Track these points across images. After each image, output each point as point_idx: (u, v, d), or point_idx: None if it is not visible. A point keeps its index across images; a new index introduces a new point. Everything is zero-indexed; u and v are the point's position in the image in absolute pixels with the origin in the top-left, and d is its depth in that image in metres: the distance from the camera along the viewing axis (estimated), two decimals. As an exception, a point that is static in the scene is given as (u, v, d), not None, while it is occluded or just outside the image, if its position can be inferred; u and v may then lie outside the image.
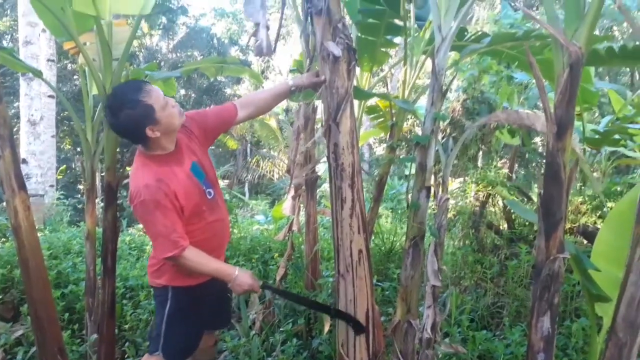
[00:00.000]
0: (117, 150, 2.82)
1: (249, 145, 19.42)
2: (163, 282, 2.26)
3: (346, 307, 2.36)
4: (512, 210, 4.11)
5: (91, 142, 2.98)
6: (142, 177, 2.03)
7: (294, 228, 3.48)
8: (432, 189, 2.35)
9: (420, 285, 2.21)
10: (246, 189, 18.44)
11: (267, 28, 2.41)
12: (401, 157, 2.96)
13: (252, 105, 2.46)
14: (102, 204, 2.85)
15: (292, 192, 3.51)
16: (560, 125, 1.41)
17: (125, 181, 2.42)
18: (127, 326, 3.40)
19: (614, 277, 1.43)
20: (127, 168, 2.71)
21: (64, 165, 14.19)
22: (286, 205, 3.59)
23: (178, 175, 2.11)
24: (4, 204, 2.53)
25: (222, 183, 16.10)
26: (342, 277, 2.37)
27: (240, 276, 2.14)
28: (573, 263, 1.61)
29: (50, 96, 8.23)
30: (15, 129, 8.93)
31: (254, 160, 18.81)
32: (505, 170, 5.06)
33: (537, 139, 7.28)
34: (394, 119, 3.32)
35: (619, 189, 3.91)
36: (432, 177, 2.44)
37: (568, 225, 3.64)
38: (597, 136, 4.02)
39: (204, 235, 2.19)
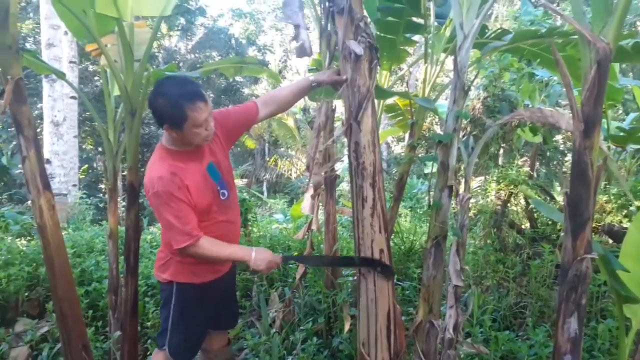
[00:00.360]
0: (139, 150, 2.85)
1: (266, 144, 19.50)
2: (167, 277, 2.28)
3: (367, 307, 2.35)
4: (534, 209, 4.05)
5: (113, 143, 3.02)
6: (158, 169, 2.06)
7: (313, 227, 3.48)
8: (454, 188, 2.33)
9: (442, 285, 2.18)
10: (264, 188, 18.54)
11: (307, 29, 2.42)
12: (421, 155, 2.92)
13: (274, 102, 2.46)
14: (124, 203, 2.90)
15: (311, 191, 3.51)
16: (587, 123, 1.38)
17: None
18: (149, 324, 3.44)
19: (644, 278, 1.40)
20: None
21: (86, 165, 14.45)
22: (305, 204, 3.59)
23: (193, 172, 2.13)
24: (29, 203, 2.58)
25: (241, 182, 16.22)
26: (364, 277, 2.36)
27: (258, 255, 2.15)
28: (600, 263, 1.58)
29: (72, 97, 8.38)
30: (38, 130, 9.16)
31: (272, 159, 18.91)
32: (527, 169, 4.99)
33: (559, 137, 7.17)
34: (414, 117, 3.30)
35: (645, 187, 3.83)
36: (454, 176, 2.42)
37: (593, 225, 3.57)
38: (622, 134, 3.94)
39: (211, 235, 2.19)
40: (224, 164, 2.34)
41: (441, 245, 2.06)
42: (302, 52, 2.51)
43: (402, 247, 4.48)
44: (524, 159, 7.07)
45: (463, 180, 2.37)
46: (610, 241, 3.76)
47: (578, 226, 1.38)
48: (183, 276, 2.27)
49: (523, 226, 3.93)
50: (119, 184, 3.13)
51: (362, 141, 2.34)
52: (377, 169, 2.39)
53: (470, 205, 4.47)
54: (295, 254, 4.38)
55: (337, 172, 3.54)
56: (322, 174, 3.40)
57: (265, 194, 17.56)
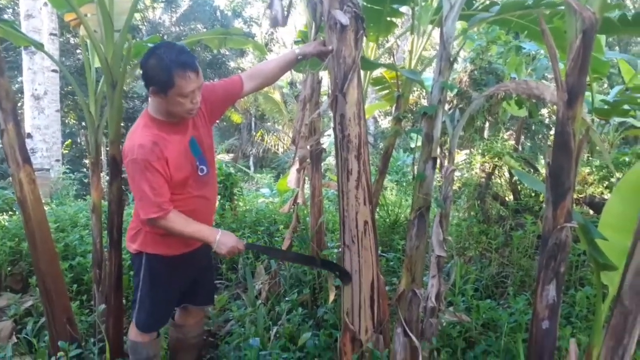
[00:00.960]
0: (122, 124, 2.81)
1: (253, 118, 19.32)
2: (137, 247, 2.28)
3: (352, 277, 2.38)
4: (517, 182, 4.09)
5: (94, 116, 2.97)
6: (140, 136, 2.04)
7: (299, 200, 3.48)
8: (438, 160, 2.34)
9: (425, 255, 2.21)
10: (251, 162, 18.47)
11: (281, -1, 2.37)
12: (407, 129, 2.92)
13: (259, 76, 2.43)
14: (107, 178, 2.87)
15: (296, 165, 3.50)
16: (571, 93, 1.38)
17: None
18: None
19: (622, 246, 1.42)
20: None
21: (69, 140, 14.22)
22: (291, 178, 3.59)
23: (175, 144, 2.12)
24: (11, 178, 2.55)
25: (227, 157, 16.13)
26: (348, 248, 2.39)
27: (223, 238, 2.15)
28: (580, 232, 1.60)
29: (53, 70, 8.19)
30: (19, 104, 8.96)
31: (259, 134, 18.77)
32: (512, 142, 5.02)
33: (544, 111, 7.21)
34: (400, 90, 3.28)
35: (627, 159, 3.88)
36: (439, 148, 2.43)
37: (575, 196, 3.62)
38: (606, 106, 3.97)
39: (185, 208, 2.18)
40: (206, 141, 2.32)
41: (424, 216, 2.07)
42: (275, 22, 2.46)
43: (388, 220, 4.52)
44: (509, 132, 7.11)
45: (447, 153, 2.38)
46: (592, 212, 3.82)
47: (559, 196, 1.40)
48: (152, 247, 2.25)
49: (507, 198, 3.98)
50: (102, 157, 3.08)
51: (348, 113, 2.33)
52: (363, 141, 2.39)
53: (455, 178, 4.50)
54: (281, 227, 4.40)
55: (324, 146, 3.52)
56: (308, 147, 3.38)
57: (252, 168, 17.50)
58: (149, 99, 2.14)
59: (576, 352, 1.75)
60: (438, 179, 2.99)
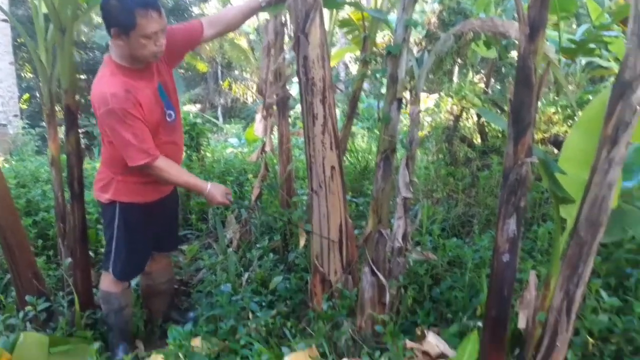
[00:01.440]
0: (82, 76, 2.67)
1: (219, 67, 18.73)
2: (110, 197, 2.27)
3: (320, 222, 2.39)
4: (485, 124, 4.12)
5: (46, 64, 2.80)
6: (109, 85, 2.00)
7: (267, 149, 3.43)
8: (405, 102, 2.31)
9: (392, 197, 2.23)
10: (219, 113, 18.06)
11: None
12: (372, 69, 2.86)
13: (221, 23, 2.39)
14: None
15: (263, 113, 3.43)
16: (532, 27, 1.35)
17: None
18: (102, 250, 3.40)
19: (581, 180, 1.45)
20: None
21: (27, 94, 13.58)
22: (258, 126, 3.52)
23: (145, 90, 2.10)
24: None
25: (194, 108, 15.71)
26: (316, 194, 2.38)
27: (212, 190, 2.24)
28: (541, 168, 1.62)
29: (3, 20, 7.67)
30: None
31: (226, 83, 18.25)
32: (482, 85, 5.02)
33: (514, 53, 7.19)
34: (367, 31, 3.19)
35: (591, 98, 3.93)
36: (408, 92, 2.40)
37: (539, 136, 3.69)
38: (573, 45, 3.96)
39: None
40: (170, 85, 2.29)
41: (390, 158, 2.07)
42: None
43: (358, 166, 4.53)
44: (479, 76, 7.10)
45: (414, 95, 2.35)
46: (556, 151, 3.90)
47: (520, 132, 1.40)
48: (127, 196, 2.26)
49: (474, 140, 4.02)
50: (57, 108, 2.94)
51: (311, 55, 2.26)
52: (327, 84, 2.33)
53: (423, 121, 4.50)
54: (250, 176, 4.35)
55: (290, 92, 3.44)
56: (275, 95, 3.30)
57: (221, 119, 17.15)
58: (111, 45, 2.07)
59: (535, 283, 1.82)
60: (406, 122, 2.97)
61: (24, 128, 7.92)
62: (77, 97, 2.58)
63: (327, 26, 3.75)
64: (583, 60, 5.22)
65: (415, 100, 2.30)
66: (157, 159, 2.08)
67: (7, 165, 4.79)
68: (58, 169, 2.86)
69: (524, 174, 1.43)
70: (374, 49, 3.60)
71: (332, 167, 2.36)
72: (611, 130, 1.28)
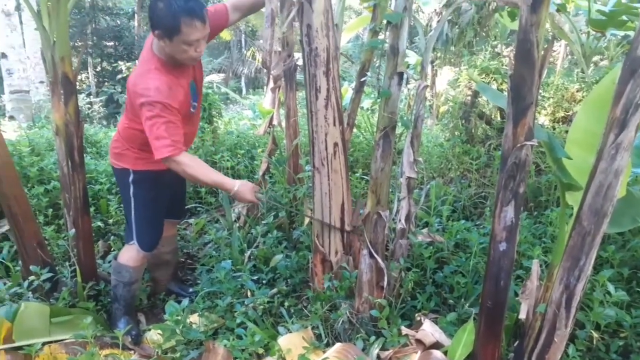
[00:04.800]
0: (68, 36, 2.62)
1: (243, 35, 18.48)
2: (123, 165, 2.36)
3: (321, 200, 2.32)
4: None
5: (49, 30, 2.75)
6: (155, 78, 2.06)
7: (274, 122, 3.35)
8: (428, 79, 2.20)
9: (392, 177, 2.13)
10: (242, 83, 17.92)
11: None
12: (371, 40, 2.72)
13: (244, 5, 2.41)
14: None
15: (271, 84, 3.34)
16: (536, -5, 1.22)
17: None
18: (111, 221, 3.42)
19: (588, 165, 1.32)
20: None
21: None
22: (266, 99, 3.44)
23: (181, 88, 2.18)
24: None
25: (218, 77, 15.63)
26: (318, 171, 2.31)
27: (241, 190, 2.23)
28: (546, 151, 1.50)
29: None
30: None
31: (250, 52, 18.02)
32: (508, 59, 4.77)
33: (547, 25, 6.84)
34: (378, -1, 3.02)
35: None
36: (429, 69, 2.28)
37: (561, 114, 3.49)
38: (603, 17, 3.72)
39: None
40: (199, 77, 2.38)
41: (390, 136, 1.96)
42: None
43: (371, 142, 4.40)
44: (510, 48, 6.77)
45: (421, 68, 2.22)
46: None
47: (519, 111, 1.28)
48: (140, 165, 2.34)
49: (493, 117, 3.84)
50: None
51: (315, 23, 2.15)
52: (332, 55, 2.22)
53: (449, 96, 4.30)
54: (260, 150, 4.28)
55: (298, 62, 3.32)
56: (282, 65, 3.19)
57: (244, 89, 17.04)
58: (155, 41, 2.13)
59: (538, 272, 1.71)
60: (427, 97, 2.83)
61: (45, 95, 8.01)
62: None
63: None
64: (619, 34, 4.90)
65: (422, 74, 2.17)
66: (182, 154, 2.11)
67: (19, 133, 4.85)
68: (63, 138, 2.84)
69: (523, 158, 1.32)
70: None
71: (335, 144, 2.28)
72: (620, 112, 1.15)
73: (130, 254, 2.47)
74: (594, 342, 1.81)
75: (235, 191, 2.22)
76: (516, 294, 1.98)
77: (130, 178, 2.36)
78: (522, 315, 1.71)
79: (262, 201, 2.41)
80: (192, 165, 2.14)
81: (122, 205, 3.48)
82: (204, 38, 2.09)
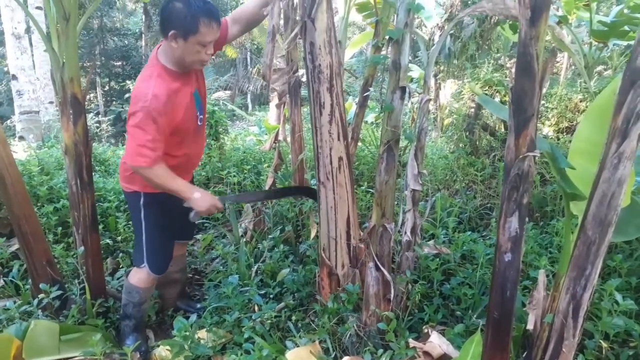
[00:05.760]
0: (77, 58, 2.67)
1: (249, 53, 18.68)
2: (135, 189, 2.33)
3: (327, 213, 2.34)
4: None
5: (58, 52, 2.81)
6: (155, 86, 2.05)
7: (280, 137, 3.39)
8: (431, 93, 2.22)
9: (397, 189, 2.15)
10: (249, 99, 18.08)
11: None
12: (373, 55, 2.76)
13: (242, 18, 2.40)
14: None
15: (275, 100, 3.38)
16: (534, 10, 1.24)
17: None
18: (119, 238, 3.45)
19: (591, 174, 1.33)
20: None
21: (62, 82, 13.92)
22: (271, 114, 3.48)
23: (186, 96, 2.17)
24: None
25: (224, 94, 15.78)
26: (323, 185, 2.33)
27: (199, 198, 2.18)
28: (550, 161, 1.52)
29: (37, 8, 7.81)
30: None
31: (256, 69, 18.21)
32: (511, 70, 4.80)
33: (547, 37, 6.88)
34: (379, 14, 3.07)
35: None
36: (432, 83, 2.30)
37: (565, 124, 3.50)
38: (604, 28, 3.74)
39: (185, 151, 2.30)
40: (203, 90, 2.38)
41: (393, 150, 1.98)
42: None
43: (376, 155, 4.42)
44: (512, 60, 6.82)
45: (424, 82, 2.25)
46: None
47: (521, 123, 1.29)
48: (151, 186, 2.27)
49: (497, 129, 3.86)
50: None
51: (317, 41, 2.19)
52: (335, 72, 2.26)
53: (452, 108, 4.32)
54: (266, 166, 4.32)
55: (302, 78, 3.36)
56: (283, 80, 3.24)
57: (250, 106, 17.18)
58: (163, 47, 2.14)
59: (544, 283, 1.71)
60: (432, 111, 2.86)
61: (54, 115, 8.12)
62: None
63: (342, 10, 3.65)
64: (623, 44, 4.92)
65: (425, 88, 2.20)
66: (155, 166, 2.07)
67: (29, 153, 4.91)
68: (72, 157, 2.89)
69: (526, 169, 1.33)
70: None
71: (340, 158, 2.30)
72: (621, 121, 1.17)
73: (140, 276, 2.46)
74: (603, 352, 1.80)
75: (192, 199, 2.17)
76: (524, 305, 1.98)
77: (141, 201, 2.34)
78: (530, 326, 1.70)
79: (221, 208, 2.32)
80: (159, 173, 2.10)
81: (130, 222, 3.54)
82: (214, 42, 2.11)
